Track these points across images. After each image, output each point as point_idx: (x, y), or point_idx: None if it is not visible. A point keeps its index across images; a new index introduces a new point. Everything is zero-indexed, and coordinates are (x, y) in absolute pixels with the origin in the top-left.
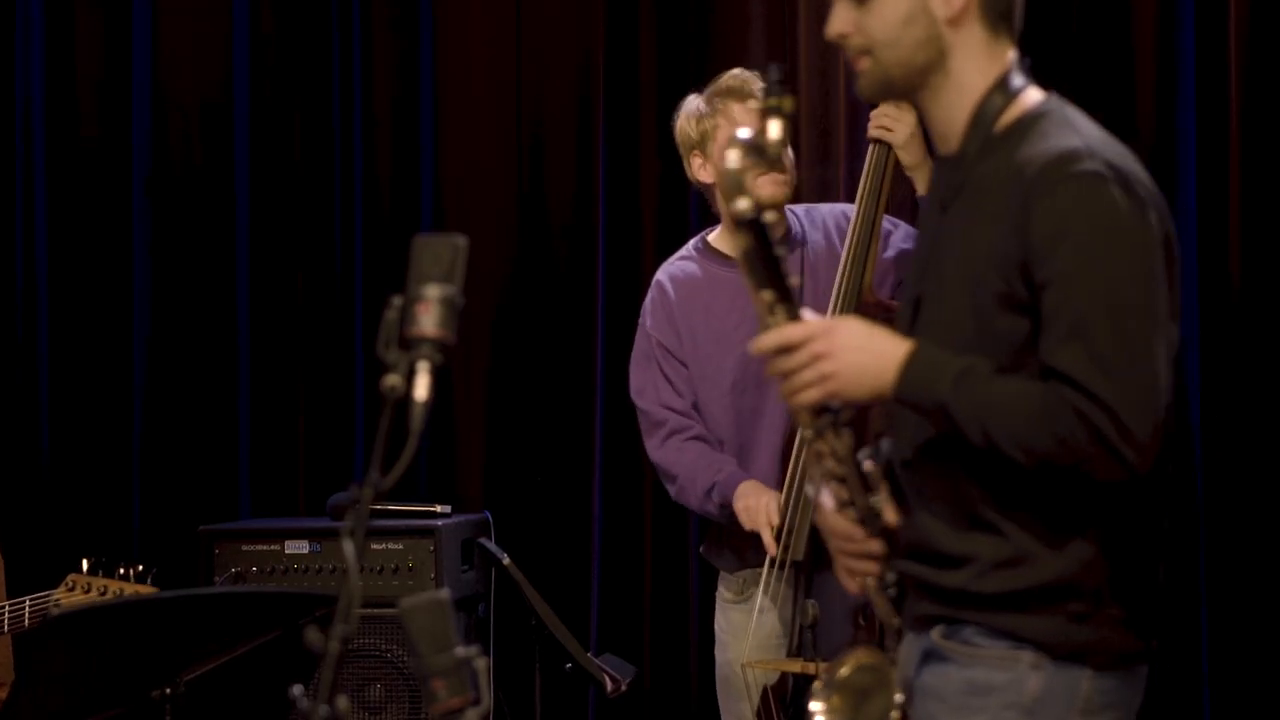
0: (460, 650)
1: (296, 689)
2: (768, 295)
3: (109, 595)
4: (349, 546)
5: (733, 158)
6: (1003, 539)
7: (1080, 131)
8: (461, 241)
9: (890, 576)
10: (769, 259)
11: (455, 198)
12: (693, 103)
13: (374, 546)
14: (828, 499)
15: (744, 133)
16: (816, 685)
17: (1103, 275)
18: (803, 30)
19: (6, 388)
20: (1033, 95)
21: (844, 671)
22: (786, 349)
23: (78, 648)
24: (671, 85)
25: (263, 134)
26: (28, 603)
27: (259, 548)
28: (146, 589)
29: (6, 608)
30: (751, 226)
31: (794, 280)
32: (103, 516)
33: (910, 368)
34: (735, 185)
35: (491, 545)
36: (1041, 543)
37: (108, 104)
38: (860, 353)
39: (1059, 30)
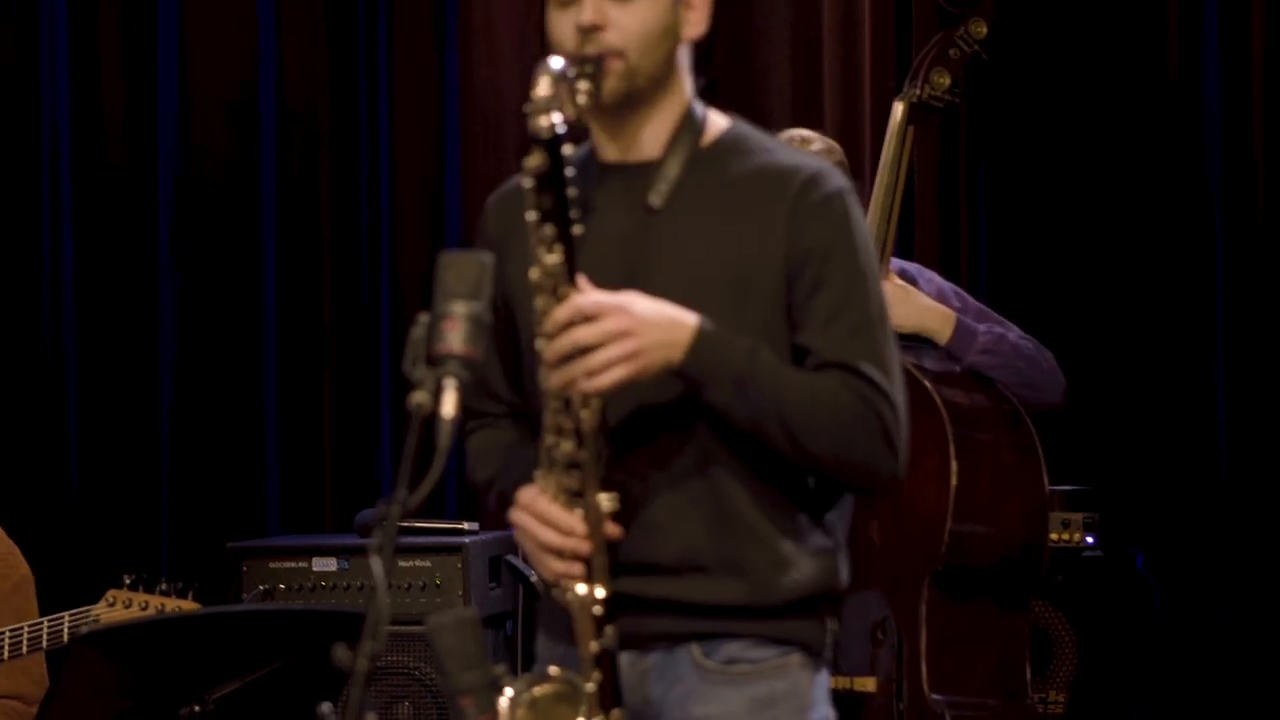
0: (488, 668)
1: (325, 707)
2: (548, 230)
3: (149, 611)
4: (377, 564)
5: (544, 83)
6: (765, 544)
7: (796, 151)
8: (488, 258)
9: (600, 593)
10: (559, 189)
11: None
12: None
13: (401, 564)
14: (543, 484)
15: (557, 62)
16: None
17: (875, 285)
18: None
19: (35, 406)
20: (713, 113)
21: (539, 692)
22: (584, 320)
23: (112, 664)
24: None
25: (289, 158)
26: (66, 618)
27: (287, 565)
28: (189, 604)
29: (45, 623)
30: (549, 146)
31: (578, 229)
32: (131, 534)
33: (703, 337)
34: (547, 103)
35: (519, 562)
36: (800, 546)
37: (133, 130)
38: (657, 326)
39: None
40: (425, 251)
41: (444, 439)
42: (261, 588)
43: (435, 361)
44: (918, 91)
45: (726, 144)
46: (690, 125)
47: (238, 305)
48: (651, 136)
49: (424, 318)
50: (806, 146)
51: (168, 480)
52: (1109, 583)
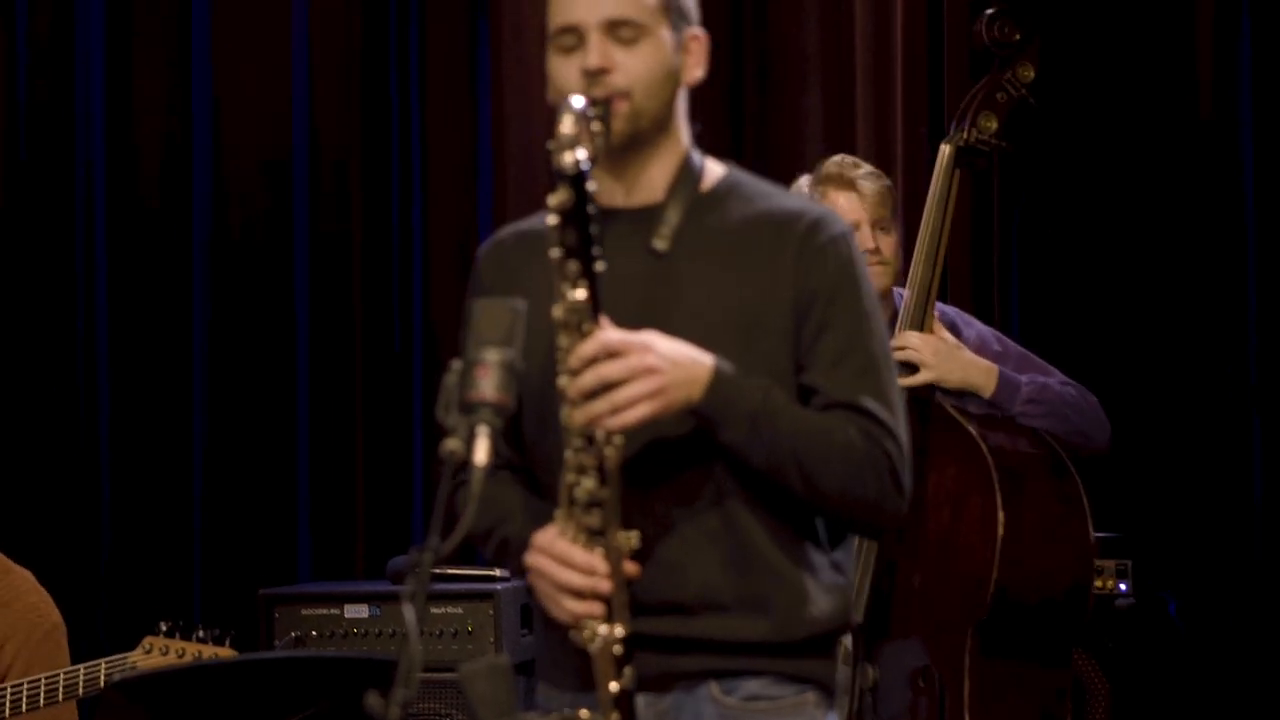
0: (520, 715)
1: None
2: (573, 266)
3: (186, 658)
4: (409, 611)
5: (569, 120)
6: (785, 581)
7: (795, 196)
8: (520, 305)
9: (619, 631)
10: (583, 225)
11: None
12: (799, 188)
13: (433, 610)
14: (562, 526)
15: (579, 101)
16: None
17: (879, 328)
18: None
19: (68, 452)
20: (710, 160)
21: None
22: (609, 356)
23: (145, 712)
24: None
25: (322, 205)
26: (103, 665)
27: (318, 612)
28: (226, 651)
29: (81, 671)
30: (573, 182)
31: (600, 265)
32: (164, 581)
33: (720, 377)
34: (571, 141)
35: None
36: (817, 582)
37: (168, 177)
38: (680, 366)
39: (1117, 20)
40: (457, 299)
41: (476, 486)
42: (293, 634)
43: (468, 408)
44: (965, 135)
45: (725, 189)
46: (689, 170)
47: (270, 351)
48: (653, 180)
49: (457, 364)
50: (857, 169)
51: (200, 527)
52: (1142, 630)
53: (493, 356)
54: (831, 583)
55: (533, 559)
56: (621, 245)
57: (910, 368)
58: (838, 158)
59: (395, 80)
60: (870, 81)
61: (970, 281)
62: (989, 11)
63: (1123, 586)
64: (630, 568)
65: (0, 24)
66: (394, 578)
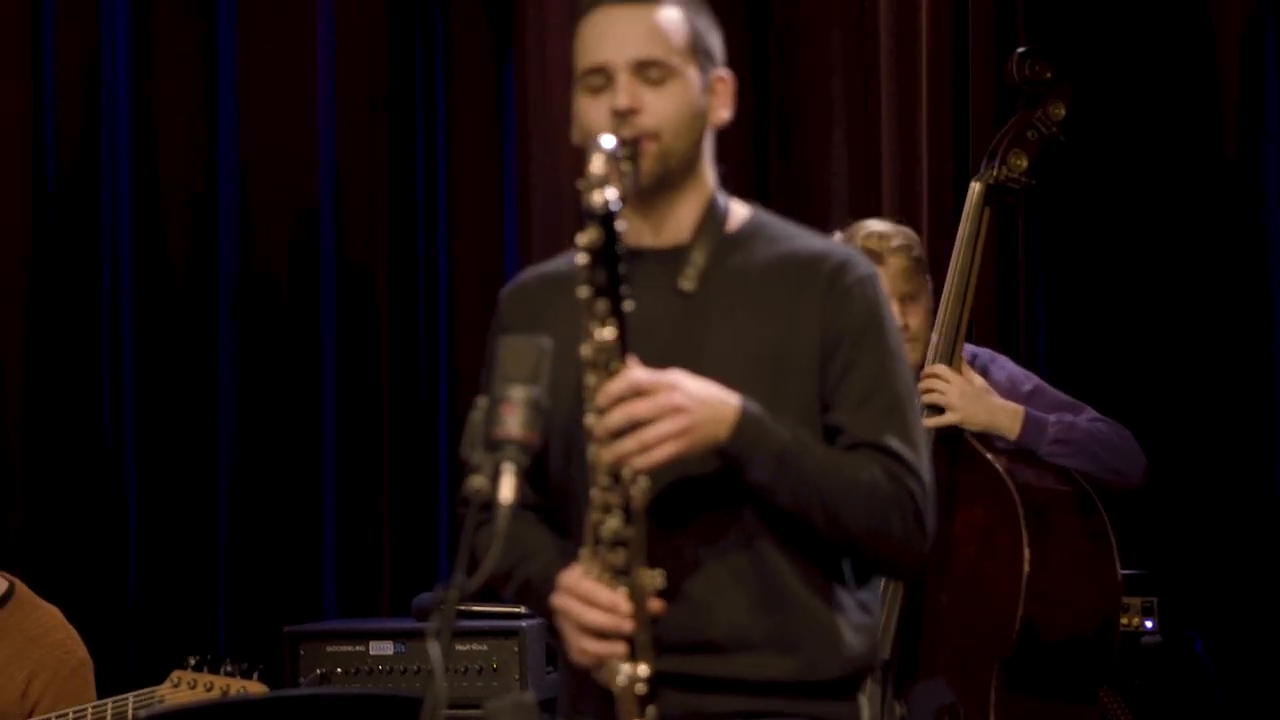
0: None
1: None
2: (602, 305)
3: (214, 692)
4: (434, 648)
5: (599, 160)
6: (814, 620)
7: (820, 237)
8: (546, 343)
9: (643, 670)
10: (612, 264)
11: None
12: None
13: (458, 647)
14: (587, 565)
15: (608, 141)
16: None
17: (904, 369)
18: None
19: (95, 488)
20: (734, 201)
21: None
22: (636, 394)
23: None
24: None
25: (348, 241)
26: (131, 699)
27: (343, 649)
28: (255, 686)
29: (110, 705)
30: (603, 221)
31: (628, 305)
32: (190, 618)
33: (747, 416)
34: (601, 180)
35: None
36: (845, 621)
37: (194, 213)
38: (707, 405)
39: (1143, 57)
40: (482, 339)
41: (502, 523)
42: (318, 671)
43: (493, 446)
44: (995, 173)
45: (750, 230)
46: (715, 211)
47: (296, 388)
48: (679, 221)
49: (482, 402)
50: (886, 243)
51: (226, 564)
52: (1168, 668)
53: (519, 394)
54: (860, 622)
55: (557, 599)
56: (649, 285)
57: (936, 409)
58: (867, 229)
59: (421, 123)
60: (895, 121)
61: (995, 317)
62: (1020, 50)
63: (1149, 624)
64: (655, 605)
65: (29, 66)
66: (419, 615)
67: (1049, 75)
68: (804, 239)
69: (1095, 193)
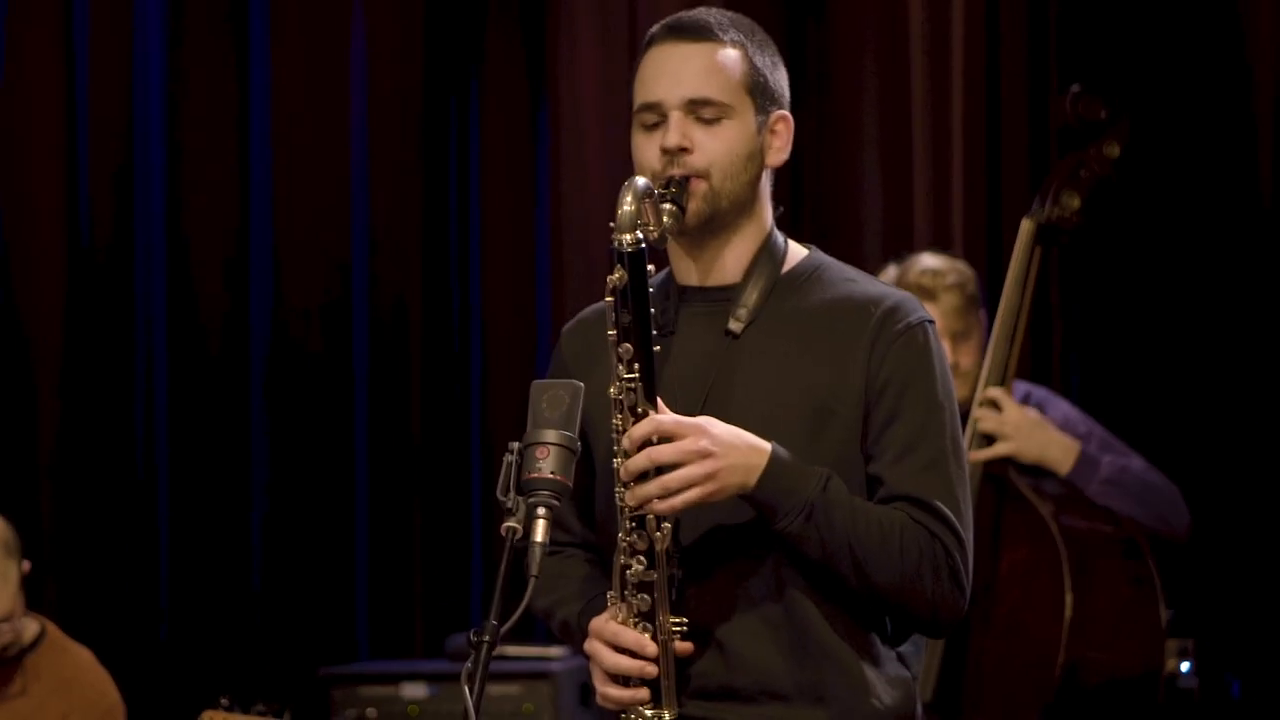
0: None
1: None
2: (627, 347)
3: None
4: (468, 692)
5: (629, 200)
6: (845, 670)
7: (877, 281)
8: (579, 386)
9: (668, 716)
10: (640, 307)
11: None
12: (887, 277)
13: (491, 689)
14: (614, 610)
15: (642, 181)
16: None
17: (951, 419)
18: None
19: (128, 529)
20: (792, 242)
21: None
22: (663, 439)
23: None
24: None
25: (381, 282)
26: None
27: (376, 690)
28: None
29: None
30: (630, 262)
31: (657, 347)
32: (222, 660)
33: (777, 464)
34: (631, 221)
35: None
36: (879, 672)
37: (228, 259)
38: (735, 449)
39: (1178, 97)
40: (515, 378)
41: (534, 565)
42: (351, 712)
43: (526, 488)
44: (1046, 212)
45: (806, 271)
46: (771, 251)
47: (329, 430)
48: (732, 261)
49: (516, 445)
50: (940, 280)
51: (259, 605)
52: (1205, 711)
53: (552, 437)
54: (895, 675)
55: (588, 644)
56: (697, 325)
57: (988, 439)
58: (921, 265)
59: (454, 166)
60: (928, 157)
61: (1029, 359)
62: (1075, 88)
63: (1185, 666)
64: (683, 647)
65: (64, 124)
66: (452, 656)
67: (1103, 114)
68: (861, 283)
69: (1129, 234)
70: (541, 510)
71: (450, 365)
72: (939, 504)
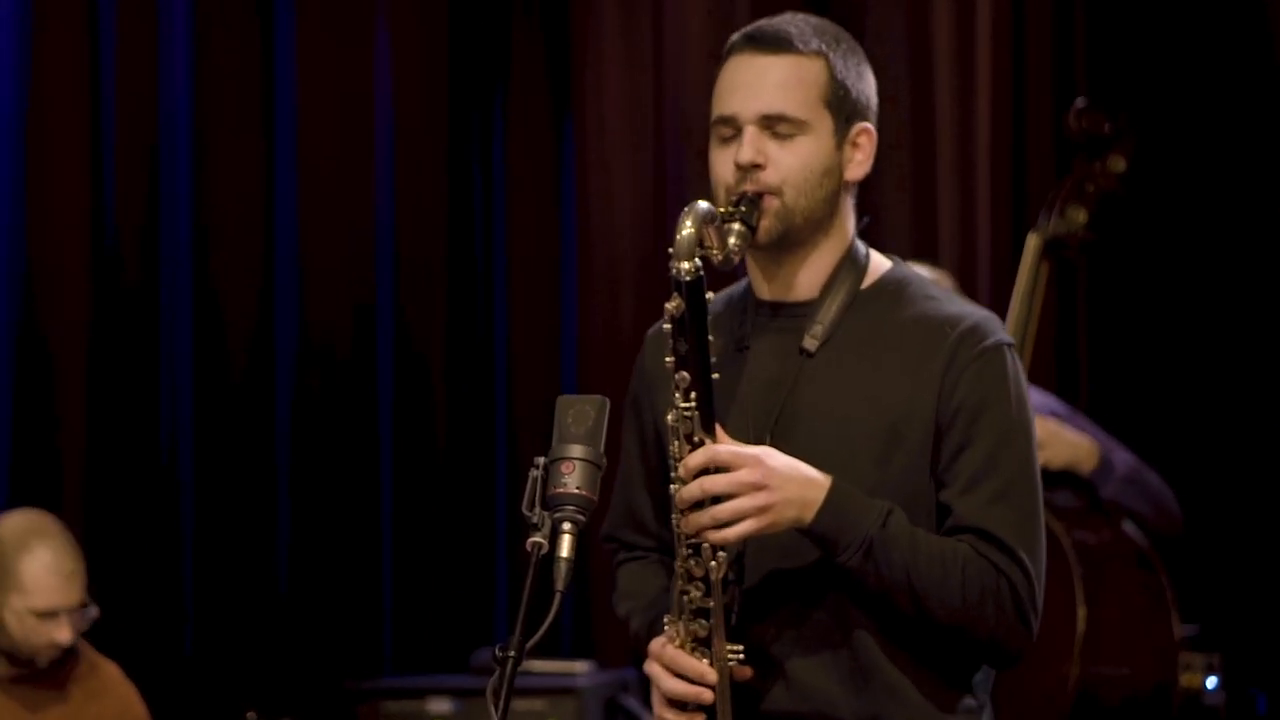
0: None
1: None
2: (682, 377)
3: None
4: (493, 707)
5: (689, 224)
6: (906, 702)
7: (959, 299)
8: (605, 400)
9: None
10: (699, 334)
11: (599, 363)
12: None
13: (516, 705)
14: (672, 633)
15: (703, 206)
16: None
17: (1024, 445)
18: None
19: (154, 544)
20: (875, 254)
21: None
22: (719, 469)
23: None
24: None
25: (406, 305)
26: None
27: (401, 705)
28: None
29: None
30: (690, 289)
31: (716, 375)
32: (247, 674)
33: (836, 498)
34: (689, 248)
35: (634, 704)
36: (941, 705)
37: (253, 285)
38: (792, 482)
39: (1205, 108)
40: (541, 398)
41: (560, 581)
42: None
43: (552, 504)
44: (1052, 226)
45: (888, 287)
46: (851, 266)
47: (355, 446)
48: (809, 277)
49: (541, 460)
50: None
51: (285, 620)
52: None
53: (577, 452)
54: (963, 706)
55: (647, 665)
56: (771, 341)
57: None
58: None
59: (479, 178)
60: (953, 174)
61: (1055, 369)
62: (1079, 103)
63: (1211, 682)
64: (741, 672)
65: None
66: (478, 671)
67: (1107, 128)
68: (940, 301)
69: (1156, 246)
70: (567, 525)
71: (475, 380)
72: (1006, 536)
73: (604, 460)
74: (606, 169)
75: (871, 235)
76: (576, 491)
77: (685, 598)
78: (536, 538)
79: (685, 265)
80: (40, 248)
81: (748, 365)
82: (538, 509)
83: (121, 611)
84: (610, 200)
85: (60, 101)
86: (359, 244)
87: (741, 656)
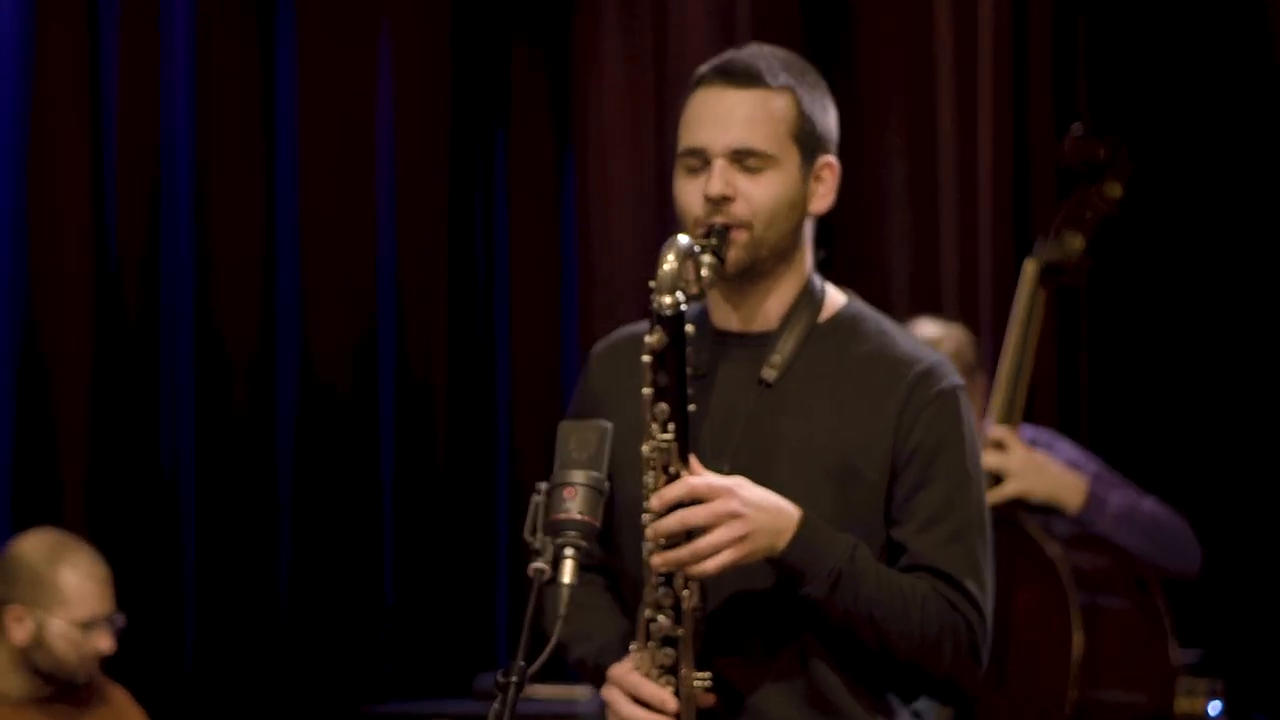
0: None
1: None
2: (662, 408)
3: None
4: None
5: (671, 258)
6: None
7: (912, 338)
8: (607, 426)
9: None
10: (678, 368)
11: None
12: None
13: None
14: (637, 660)
15: (684, 240)
16: None
17: (978, 491)
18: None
19: (156, 567)
20: (831, 288)
21: None
22: (692, 501)
23: None
24: None
25: (409, 324)
26: None
27: None
28: None
29: None
30: (672, 323)
31: (693, 407)
32: (249, 699)
33: (806, 530)
34: (671, 282)
35: None
36: None
37: (254, 302)
38: (765, 512)
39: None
40: (542, 421)
41: (562, 606)
42: None
43: (554, 529)
44: (1049, 252)
45: (844, 322)
46: (810, 299)
47: (356, 470)
48: (768, 308)
49: (543, 486)
50: (936, 348)
51: (287, 644)
52: None
53: (579, 477)
54: None
55: (606, 691)
56: (732, 372)
57: (994, 478)
58: (919, 325)
59: (480, 204)
60: (955, 201)
61: (1056, 398)
62: (1075, 129)
63: (1214, 707)
64: (706, 699)
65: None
66: (479, 696)
67: (1103, 154)
68: (896, 338)
69: (1157, 271)
70: (569, 551)
71: (477, 405)
72: (962, 577)
73: (606, 485)
74: (607, 190)
75: (872, 265)
76: (579, 517)
77: (652, 625)
78: (539, 563)
79: (667, 299)
80: (42, 274)
81: (706, 395)
82: (540, 534)
83: (126, 633)
84: (611, 222)
85: (62, 132)
86: (360, 268)
87: (709, 684)
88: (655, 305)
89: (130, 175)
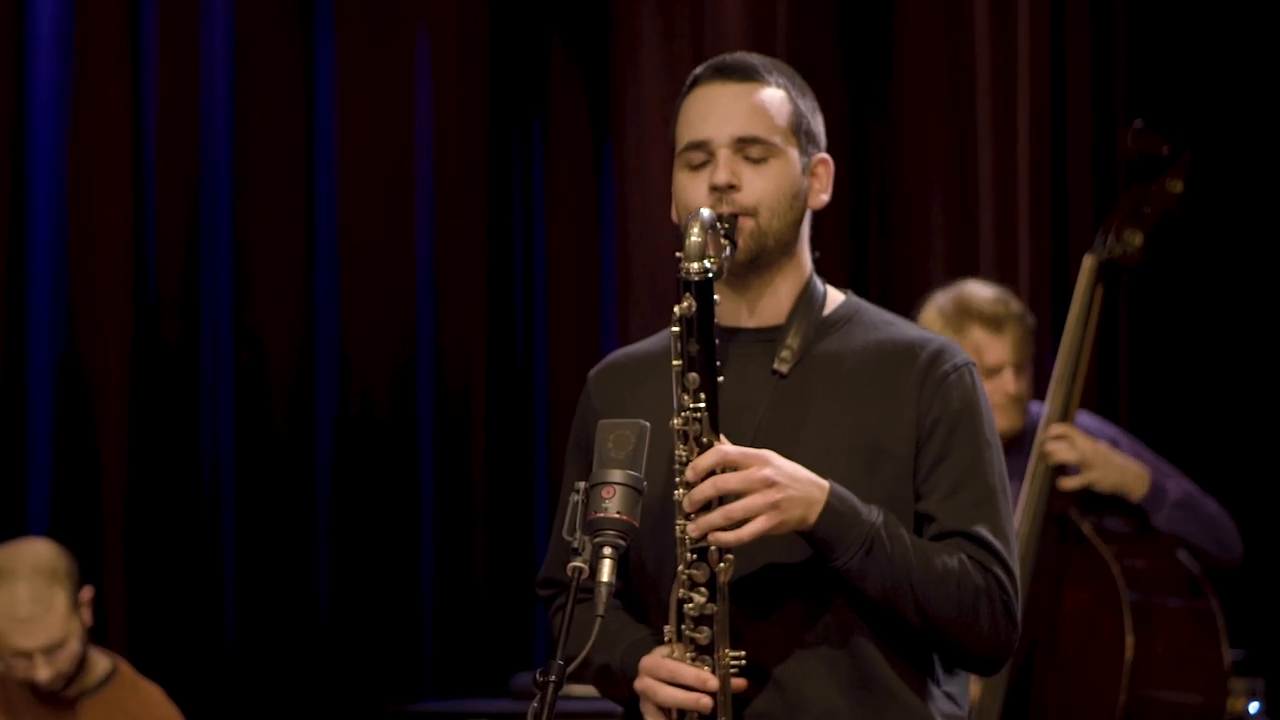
0: None
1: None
2: (693, 377)
3: None
4: None
5: (696, 230)
6: (906, 707)
7: (914, 325)
8: (645, 425)
9: None
10: (706, 336)
11: None
12: (935, 303)
13: None
14: (670, 648)
15: (707, 213)
16: None
17: (997, 460)
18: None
19: (195, 568)
20: (830, 287)
21: None
22: (727, 469)
23: None
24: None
25: (447, 325)
26: None
27: None
28: None
29: None
30: (701, 288)
31: (720, 377)
32: (289, 697)
33: (836, 499)
34: (700, 251)
35: None
36: (936, 710)
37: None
38: (798, 481)
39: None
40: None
41: (601, 605)
42: None
43: (592, 528)
44: (1108, 249)
45: (846, 315)
46: (811, 294)
47: (394, 471)
48: (775, 302)
49: (582, 485)
50: (1007, 308)
51: (326, 643)
52: None
53: (618, 477)
54: (949, 712)
55: (640, 682)
56: (743, 366)
57: (1059, 471)
58: (989, 293)
59: (519, 203)
60: (993, 196)
61: (1095, 394)
62: (1137, 124)
63: (1255, 707)
64: (738, 684)
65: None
66: (518, 695)
67: (1165, 150)
68: (900, 326)
69: (1199, 267)
70: (608, 550)
71: (515, 404)
72: (989, 537)
73: (644, 484)
74: (645, 189)
75: (912, 258)
76: (617, 516)
77: (686, 606)
78: (577, 562)
79: (695, 266)
80: (83, 292)
81: (719, 389)
82: (578, 534)
83: (162, 634)
84: (650, 221)
85: (102, 152)
86: (399, 280)
87: (744, 662)
88: (683, 272)
89: (170, 193)
